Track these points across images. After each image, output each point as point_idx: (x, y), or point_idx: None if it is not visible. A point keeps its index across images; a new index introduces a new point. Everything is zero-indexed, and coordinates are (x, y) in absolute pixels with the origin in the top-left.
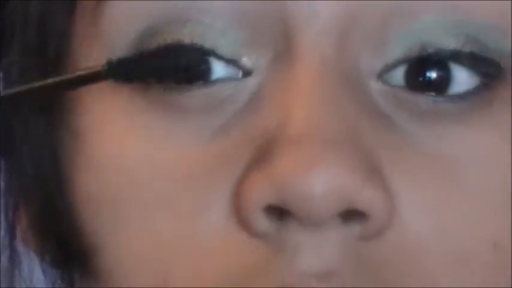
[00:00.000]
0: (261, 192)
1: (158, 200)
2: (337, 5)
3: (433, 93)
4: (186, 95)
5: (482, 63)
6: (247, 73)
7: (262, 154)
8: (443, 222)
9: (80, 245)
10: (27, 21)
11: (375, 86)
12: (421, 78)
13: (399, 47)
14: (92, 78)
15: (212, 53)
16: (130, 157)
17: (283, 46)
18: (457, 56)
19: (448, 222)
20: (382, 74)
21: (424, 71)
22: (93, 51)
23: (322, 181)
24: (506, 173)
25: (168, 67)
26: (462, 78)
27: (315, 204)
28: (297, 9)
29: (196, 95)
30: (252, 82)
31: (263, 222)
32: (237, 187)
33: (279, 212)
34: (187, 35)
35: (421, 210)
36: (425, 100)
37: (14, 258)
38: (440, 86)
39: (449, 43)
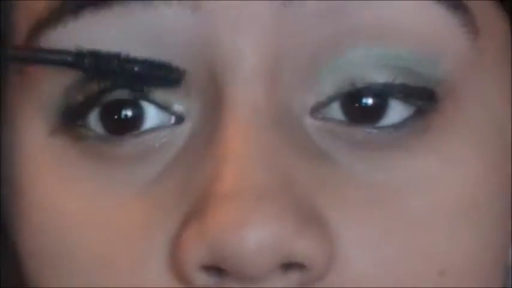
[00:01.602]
0: (195, 252)
1: (95, 256)
2: (263, 49)
3: (370, 123)
4: (117, 145)
5: (415, 94)
6: (179, 119)
7: (196, 209)
8: (385, 255)
9: None
10: None
11: (310, 122)
12: (357, 105)
13: (329, 83)
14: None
15: (144, 97)
16: (64, 212)
17: (212, 92)
18: (388, 89)
19: (390, 254)
20: (318, 109)
21: (360, 98)
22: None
23: (253, 238)
24: (450, 196)
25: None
26: (397, 107)
27: (248, 263)
28: (223, 54)
29: (128, 144)
30: (185, 129)
31: (202, 279)
32: (173, 243)
33: (218, 267)
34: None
35: (363, 247)
36: (361, 132)
37: None
38: (377, 114)
39: (380, 76)
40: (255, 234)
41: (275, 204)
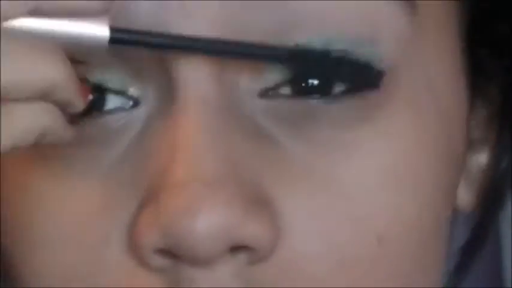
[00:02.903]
0: (149, 238)
1: (61, 232)
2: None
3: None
4: (79, 126)
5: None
6: (136, 103)
7: (151, 196)
8: (327, 228)
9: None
10: None
11: (258, 103)
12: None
13: (278, 69)
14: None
15: (100, 86)
16: (28, 186)
17: (165, 78)
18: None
19: (331, 227)
20: (267, 92)
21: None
22: None
23: (202, 226)
24: (384, 165)
25: None
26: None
27: (199, 248)
28: None
29: (89, 126)
30: (141, 113)
31: (158, 261)
32: (131, 226)
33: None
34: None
35: (306, 223)
36: (303, 106)
37: None
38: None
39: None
40: (204, 222)
41: (223, 191)
